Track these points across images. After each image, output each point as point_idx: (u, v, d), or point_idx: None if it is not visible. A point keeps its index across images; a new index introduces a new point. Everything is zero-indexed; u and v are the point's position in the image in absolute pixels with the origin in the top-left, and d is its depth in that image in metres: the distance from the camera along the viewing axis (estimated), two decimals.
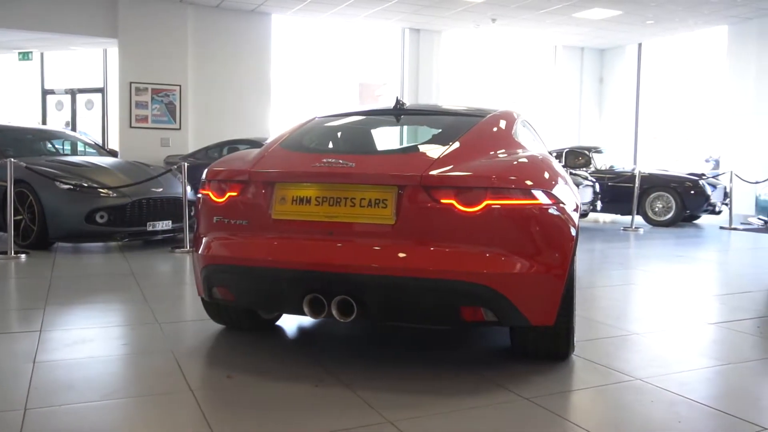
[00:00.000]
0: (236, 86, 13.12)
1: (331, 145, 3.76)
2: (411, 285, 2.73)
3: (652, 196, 10.70)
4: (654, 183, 10.67)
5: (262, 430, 2.39)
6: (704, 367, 3.21)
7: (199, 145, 11.69)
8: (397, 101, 3.65)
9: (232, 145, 9.94)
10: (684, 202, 10.49)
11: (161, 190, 7.20)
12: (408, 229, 2.77)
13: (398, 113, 3.75)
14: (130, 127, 12.37)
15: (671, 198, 10.57)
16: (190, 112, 12.76)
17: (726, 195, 10.95)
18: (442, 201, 2.75)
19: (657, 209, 10.70)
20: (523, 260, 2.76)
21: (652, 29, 14.31)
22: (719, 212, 10.86)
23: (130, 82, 12.26)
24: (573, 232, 2.99)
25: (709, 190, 10.54)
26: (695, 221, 11.44)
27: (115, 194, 6.82)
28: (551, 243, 2.85)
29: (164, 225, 7.13)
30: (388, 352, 3.37)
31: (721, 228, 10.38)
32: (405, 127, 5.94)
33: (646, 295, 5.15)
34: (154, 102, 12.39)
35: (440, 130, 3.53)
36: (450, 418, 2.49)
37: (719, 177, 11.60)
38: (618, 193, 10.73)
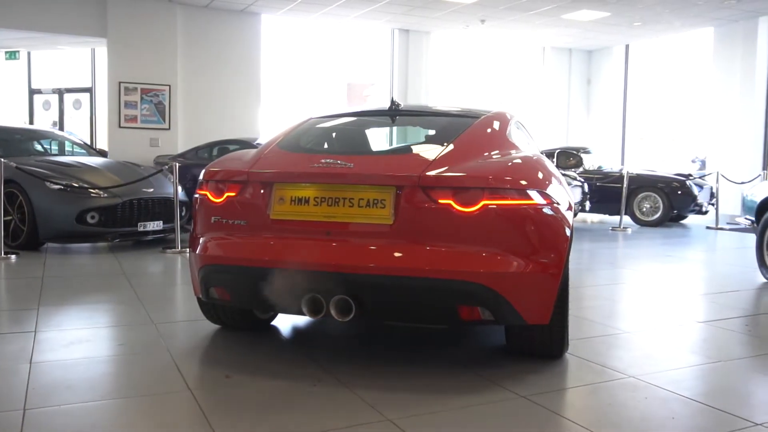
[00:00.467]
0: (226, 86, 13.09)
1: (328, 146, 3.77)
2: (409, 284, 2.76)
3: (639, 196, 10.80)
4: (642, 183, 10.77)
5: (261, 429, 2.40)
6: (695, 364, 3.27)
7: (189, 145, 11.65)
8: (393, 102, 3.66)
9: (222, 145, 9.91)
10: (671, 202, 10.59)
11: (152, 190, 7.18)
12: (406, 229, 2.80)
13: (394, 114, 3.77)
14: (119, 127, 12.31)
15: (659, 198, 10.68)
16: (180, 112, 12.72)
17: (712, 195, 11.08)
18: (440, 201, 2.78)
19: (645, 209, 10.80)
20: (519, 260, 2.79)
21: (639, 31, 14.44)
22: (706, 212, 10.99)
23: (119, 82, 12.19)
24: (568, 231, 3.03)
25: (695, 190, 10.66)
26: (682, 221, 11.56)
27: (105, 194, 6.79)
28: (547, 242, 2.89)
29: (155, 225, 7.11)
30: (386, 352, 3.40)
31: (708, 228, 10.50)
32: (401, 128, 5.96)
33: (636, 294, 5.21)
34: (144, 102, 12.34)
35: (436, 131, 3.56)
36: (448, 416, 2.52)
37: (706, 177, 11.73)
38: (606, 193, 10.82)
